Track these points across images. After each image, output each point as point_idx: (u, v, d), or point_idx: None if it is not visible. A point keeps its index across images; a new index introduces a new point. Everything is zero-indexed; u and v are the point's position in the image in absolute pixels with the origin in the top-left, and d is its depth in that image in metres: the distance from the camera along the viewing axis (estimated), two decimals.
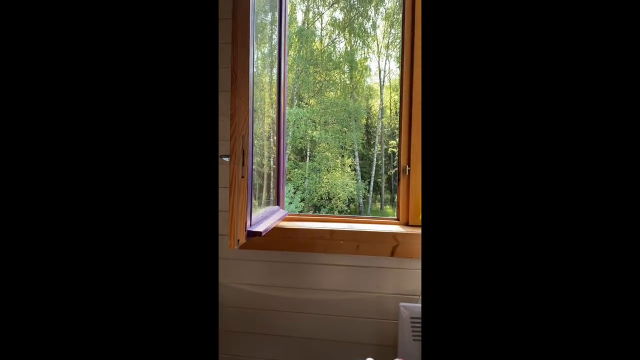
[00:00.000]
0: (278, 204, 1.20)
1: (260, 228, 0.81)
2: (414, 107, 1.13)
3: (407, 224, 1.15)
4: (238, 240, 0.76)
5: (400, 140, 1.18)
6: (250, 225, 0.81)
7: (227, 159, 0.78)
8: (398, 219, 1.18)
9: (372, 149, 11.26)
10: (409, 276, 1.05)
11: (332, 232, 1.08)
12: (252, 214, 0.86)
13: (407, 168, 1.14)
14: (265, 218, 0.95)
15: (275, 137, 1.23)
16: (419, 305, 1.00)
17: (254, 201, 1.19)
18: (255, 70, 1.23)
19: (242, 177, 0.76)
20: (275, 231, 1.08)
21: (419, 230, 1.07)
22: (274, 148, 1.24)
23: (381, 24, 10.03)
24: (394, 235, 1.05)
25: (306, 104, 10.29)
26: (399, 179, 1.17)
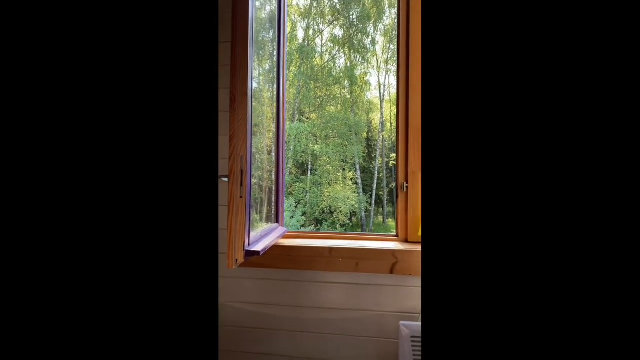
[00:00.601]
0: (277, 221, 1.20)
1: (259, 247, 0.81)
2: (410, 125, 1.15)
3: (406, 241, 1.15)
4: (236, 260, 0.77)
5: (397, 157, 1.19)
6: (249, 244, 0.82)
7: (226, 179, 0.80)
8: (397, 236, 1.18)
9: (373, 162, 11.32)
10: (408, 294, 1.05)
11: (331, 249, 1.08)
12: (251, 232, 0.87)
13: (405, 185, 1.15)
14: (263, 236, 0.96)
15: (274, 154, 1.25)
16: (419, 323, 0.99)
17: (255, 215, 1.20)
18: (256, 86, 1.26)
19: (241, 197, 0.77)
20: (275, 249, 1.09)
21: (418, 247, 1.07)
22: (274, 163, 1.26)
23: (380, 39, 10.25)
24: (393, 252, 1.05)
25: (307, 118, 10.41)
26: (397, 196, 1.18)
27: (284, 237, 1.20)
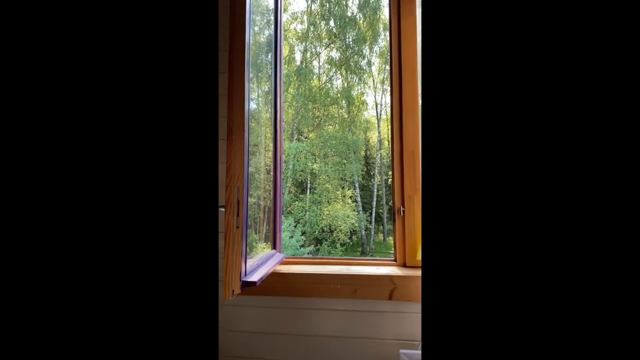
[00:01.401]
0: (274, 247, 1.20)
1: (255, 277, 0.81)
2: (405, 149, 1.17)
3: (404, 265, 1.14)
4: (233, 291, 0.76)
5: (393, 181, 1.20)
6: (245, 274, 0.82)
7: (222, 209, 0.80)
8: (395, 260, 1.18)
9: (372, 180, 11.33)
10: (407, 320, 1.03)
11: (329, 276, 1.07)
12: (248, 260, 0.87)
13: (402, 209, 1.16)
14: (260, 265, 0.95)
15: (272, 177, 1.27)
16: (420, 352, 0.97)
17: (254, 235, 1.19)
18: (255, 107, 1.29)
19: (237, 227, 0.78)
20: (272, 276, 1.08)
21: (416, 272, 1.06)
22: (272, 187, 1.27)
23: (376, 61, 10.51)
24: (391, 278, 1.04)
25: (306, 137, 10.52)
26: (394, 220, 1.18)
27: (282, 263, 1.19)
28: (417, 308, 1.02)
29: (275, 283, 1.08)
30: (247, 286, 0.79)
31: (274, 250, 1.18)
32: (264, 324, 1.10)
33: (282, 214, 1.25)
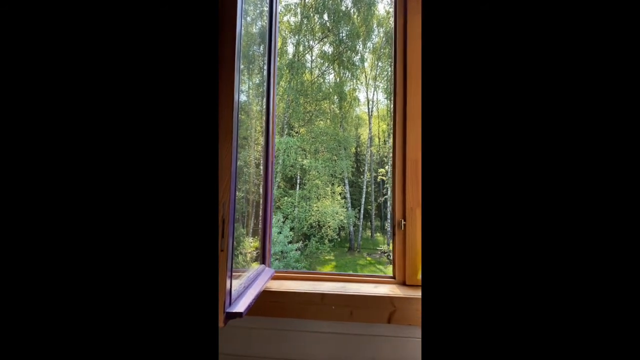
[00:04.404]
0: (263, 261, 1.10)
1: (241, 307, 0.71)
2: (408, 158, 1.08)
3: (404, 284, 1.06)
4: None
5: (394, 193, 1.11)
6: (230, 302, 0.72)
7: None
8: (394, 277, 1.09)
9: (361, 177, 11.33)
10: (408, 346, 0.95)
11: (322, 296, 0.98)
12: (234, 278, 0.77)
13: (403, 222, 1.07)
14: (248, 287, 0.86)
15: (262, 175, 1.17)
16: None
17: (241, 230, 1.10)
18: (245, 99, 1.20)
19: (222, 250, 0.68)
20: (261, 295, 0.98)
21: (417, 293, 0.98)
22: (259, 181, 1.18)
23: (369, 57, 10.42)
24: (390, 299, 0.96)
25: (296, 132, 10.39)
26: (393, 234, 1.10)
27: (272, 278, 1.09)
28: (418, 333, 0.95)
29: (264, 302, 0.99)
30: (232, 317, 0.69)
31: (263, 266, 1.08)
32: (251, 347, 1.00)
33: (272, 225, 1.16)
